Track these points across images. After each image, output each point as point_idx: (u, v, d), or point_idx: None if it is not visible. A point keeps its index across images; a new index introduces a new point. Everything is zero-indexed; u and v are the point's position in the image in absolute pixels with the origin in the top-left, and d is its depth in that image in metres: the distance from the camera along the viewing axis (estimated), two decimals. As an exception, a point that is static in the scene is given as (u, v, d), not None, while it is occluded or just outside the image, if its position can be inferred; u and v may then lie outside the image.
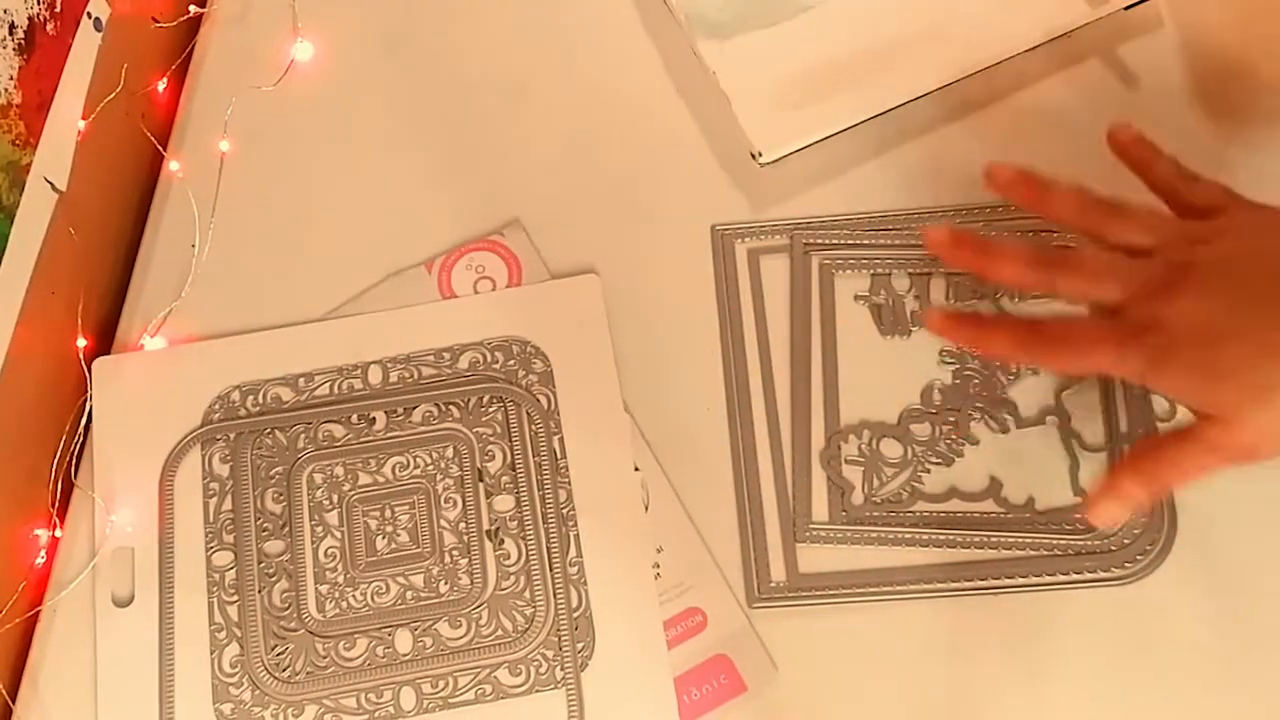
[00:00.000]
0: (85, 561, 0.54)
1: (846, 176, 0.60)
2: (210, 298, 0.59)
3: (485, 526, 0.54)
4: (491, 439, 0.55)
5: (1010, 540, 0.53)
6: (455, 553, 0.54)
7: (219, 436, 0.55)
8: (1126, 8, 0.60)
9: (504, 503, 0.54)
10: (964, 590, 0.52)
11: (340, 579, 0.53)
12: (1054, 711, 0.51)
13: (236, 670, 0.52)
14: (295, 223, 0.61)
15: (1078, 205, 0.50)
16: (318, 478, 0.55)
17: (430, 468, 0.55)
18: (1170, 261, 0.47)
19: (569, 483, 0.54)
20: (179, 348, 0.58)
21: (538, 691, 0.51)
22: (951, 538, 0.53)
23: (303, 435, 0.55)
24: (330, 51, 0.64)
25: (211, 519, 0.54)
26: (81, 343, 0.56)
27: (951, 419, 0.55)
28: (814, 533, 0.54)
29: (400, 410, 0.56)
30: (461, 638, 0.52)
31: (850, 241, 0.58)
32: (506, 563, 0.53)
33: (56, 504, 0.55)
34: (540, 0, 0.65)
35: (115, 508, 0.54)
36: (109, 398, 0.56)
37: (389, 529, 0.54)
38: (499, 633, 0.52)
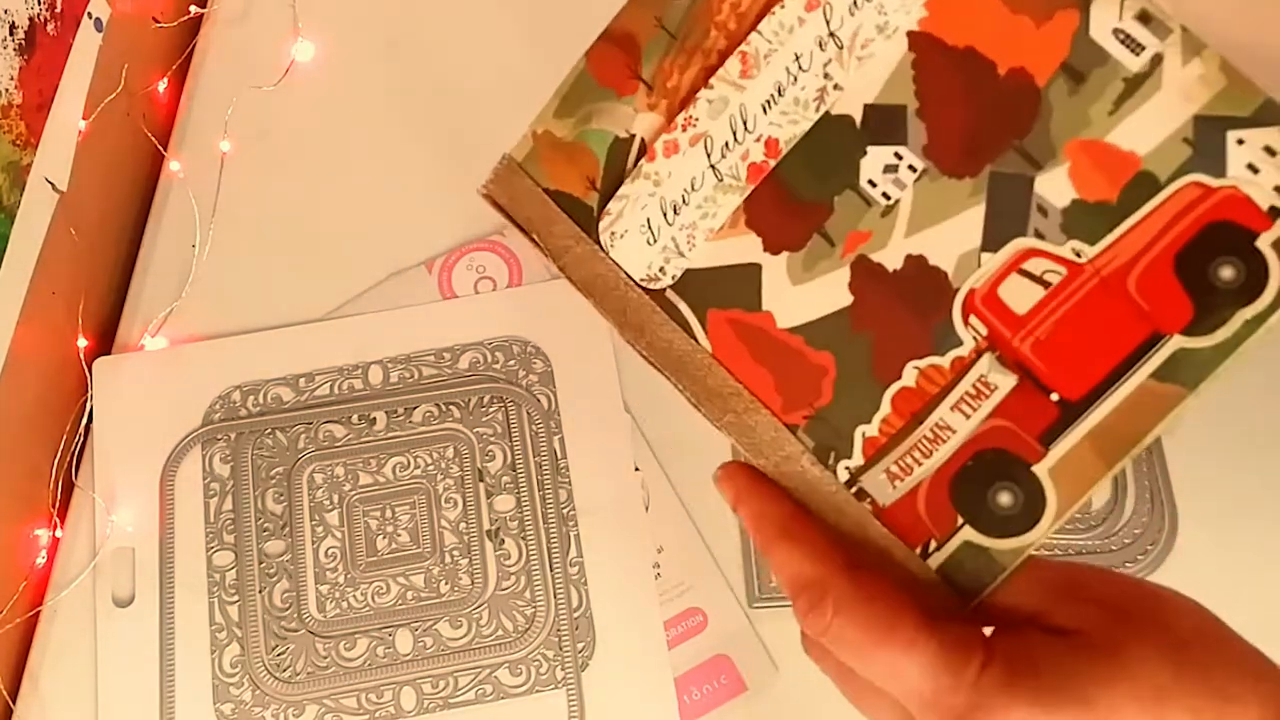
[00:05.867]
0: (86, 561, 0.54)
1: (846, 176, 0.60)
2: (210, 298, 0.58)
3: (486, 526, 0.54)
4: (492, 439, 0.55)
5: (1010, 540, 0.53)
6: (456, 553, 0.54)
7: (219, 436, 0.55)
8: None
9: (504, 503, 0.54)
10: (964, 590, 0.52)
11: (341, 579, 0.53)
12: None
13: (237, 670, 0.52)
14: (295, 223, 0.61)
15: None
16: (318, 478, 0.55)
17: (431, 468, 0.55)
18: None
19: (569, 483, 0.54)
20: (179, 348, 0.58)
21: (538, 691, 0.51)
22: (951, 538, 0.53)
23: (303, 435, 0.55)
24: (330, 51, 0.64)
25: (212, 519, 0.54)
26: (82, 343, 0.56)
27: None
28: (814, 533, 0.54)
29: (401, 410, 0.56)
30: (462, 638, 0.52)
31: (850, 241, 0.58)
32: (507, 563, 0.53)
33: (57, 504, 0.55)
34: (540, 0, 0.65)
35: (116, 508, 0.54)
36: (109, 398, 0.56)
37: (389, 529, 0.54)
38: (499, 633, 0.52)
